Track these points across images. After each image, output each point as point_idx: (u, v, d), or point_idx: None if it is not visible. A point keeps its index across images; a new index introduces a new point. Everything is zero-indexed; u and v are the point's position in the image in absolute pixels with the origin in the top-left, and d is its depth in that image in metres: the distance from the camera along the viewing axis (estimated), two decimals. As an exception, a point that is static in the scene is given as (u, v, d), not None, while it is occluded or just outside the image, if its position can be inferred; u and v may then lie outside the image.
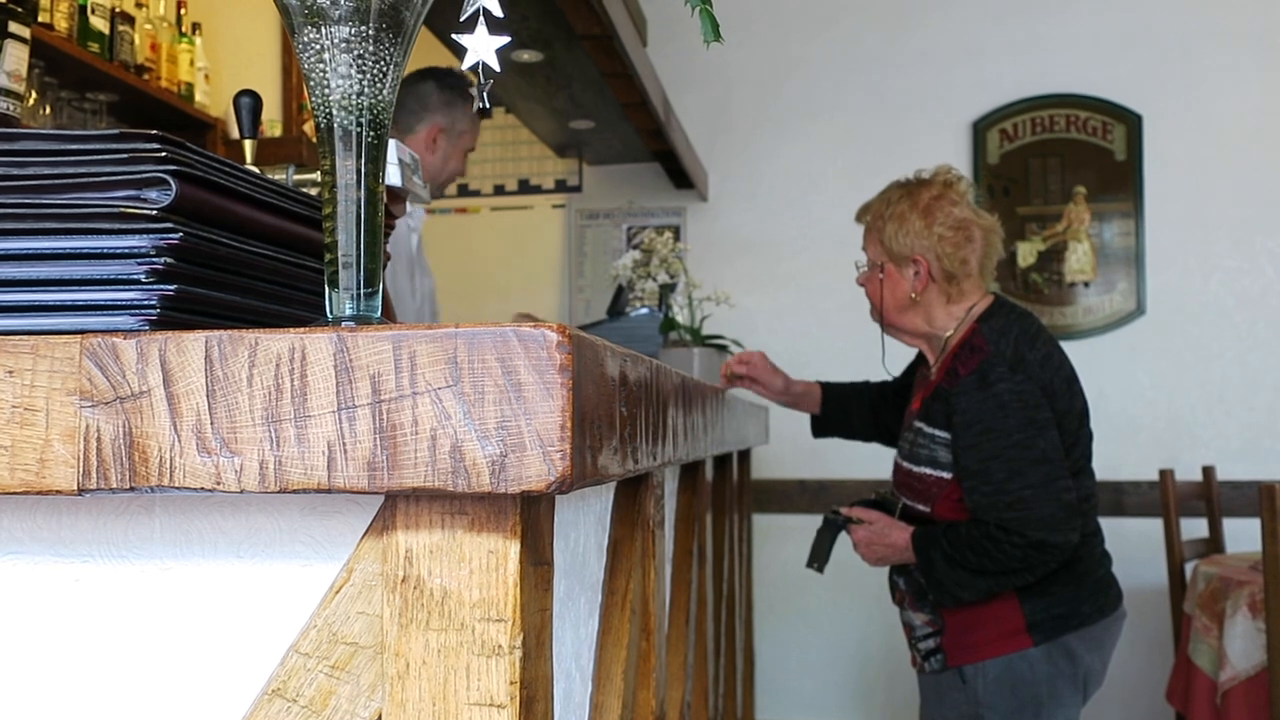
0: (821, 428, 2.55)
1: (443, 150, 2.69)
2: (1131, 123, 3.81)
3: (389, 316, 0.76)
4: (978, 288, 2.06)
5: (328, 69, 0.68)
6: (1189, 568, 3.06)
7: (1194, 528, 3.29)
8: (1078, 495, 1.95)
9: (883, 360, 2.31)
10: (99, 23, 2.87)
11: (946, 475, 1.97)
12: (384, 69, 0.69)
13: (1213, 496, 3.32)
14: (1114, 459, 3.53)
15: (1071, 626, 1.95)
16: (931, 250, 2.01)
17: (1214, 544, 3.27)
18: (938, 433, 1.98)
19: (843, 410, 2.48)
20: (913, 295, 2.03)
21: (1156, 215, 3.80)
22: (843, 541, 2.18)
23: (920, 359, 2.23)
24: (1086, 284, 3.83)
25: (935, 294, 2.03)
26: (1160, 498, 3.16)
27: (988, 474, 1.89)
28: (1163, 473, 3.17)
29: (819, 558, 2.21)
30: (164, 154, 0.63)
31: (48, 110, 2.75)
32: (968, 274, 2.03)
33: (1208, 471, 3.36)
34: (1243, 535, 3.33)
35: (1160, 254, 3.79)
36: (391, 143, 1.14)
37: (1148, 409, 3.76)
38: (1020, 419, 1.87)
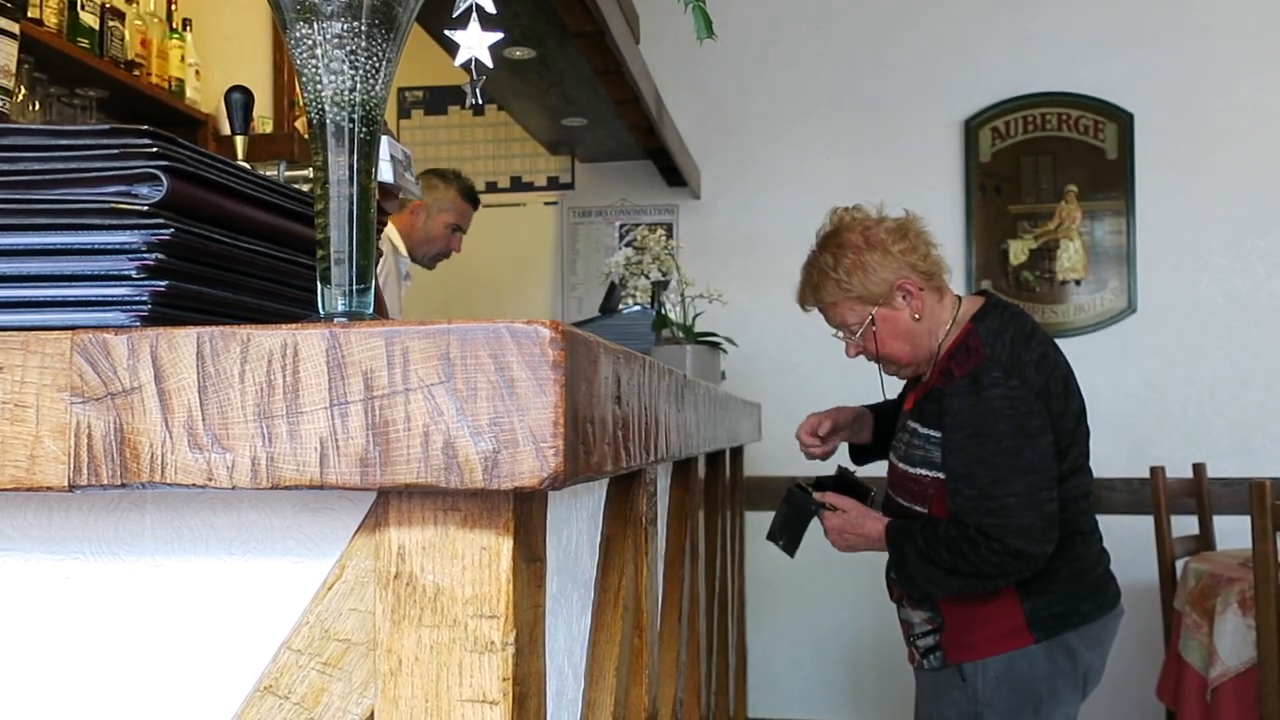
0: (867, 454, 2.43)
1: (421, 223, 3.35)
2: (1123, 121, 3.82)
3: (381, 313, 0.76)
4: (945, 278, 2.08)
5: (320, 65, 0.67)
6: (1179, 565, 3.07)
7: (1185, 525, 3.30)
8: (1079, 492, 1.97)
9: (884, 396, 2.30)
10: (89, 18, 2.86)
11: (943, 476, 1.97)
12: (377, 65, 0.68)
13: (1203, 494, 3.33)
14: (1105, 456, 3.53)
15: (1072, 624, 1.95)
16: (904, 266, 2.01)
17: (1204, 541, 3.29)
18: (931, 433, 1.97)
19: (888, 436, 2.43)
20: (915, 316, 2.02)
21: (1148, 214, 3.81)
22: (815, 530, 2.18)
23: None
24: (1078, 282, 3.84)
25: (930, 301, 2.04)
26: (1151, 495, 3.17)
27: (973, 478, 1.89)
28: (1153, 470, 3.18)
29: (783, 536, 2.19)
30: (155, 149, 0.63)
31: (37, 106, 2.73)
32: (937, 265, 2.05)
33: (1198, 469, 3.38)
34: (1233, 532, 3.34)
35: (1151, 252, 3.80)
36: (384, 139, 1.14)
37: (1139, 406, 3.77)
38: (1010, 426, 1.87)
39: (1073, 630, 1.96)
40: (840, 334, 2.11)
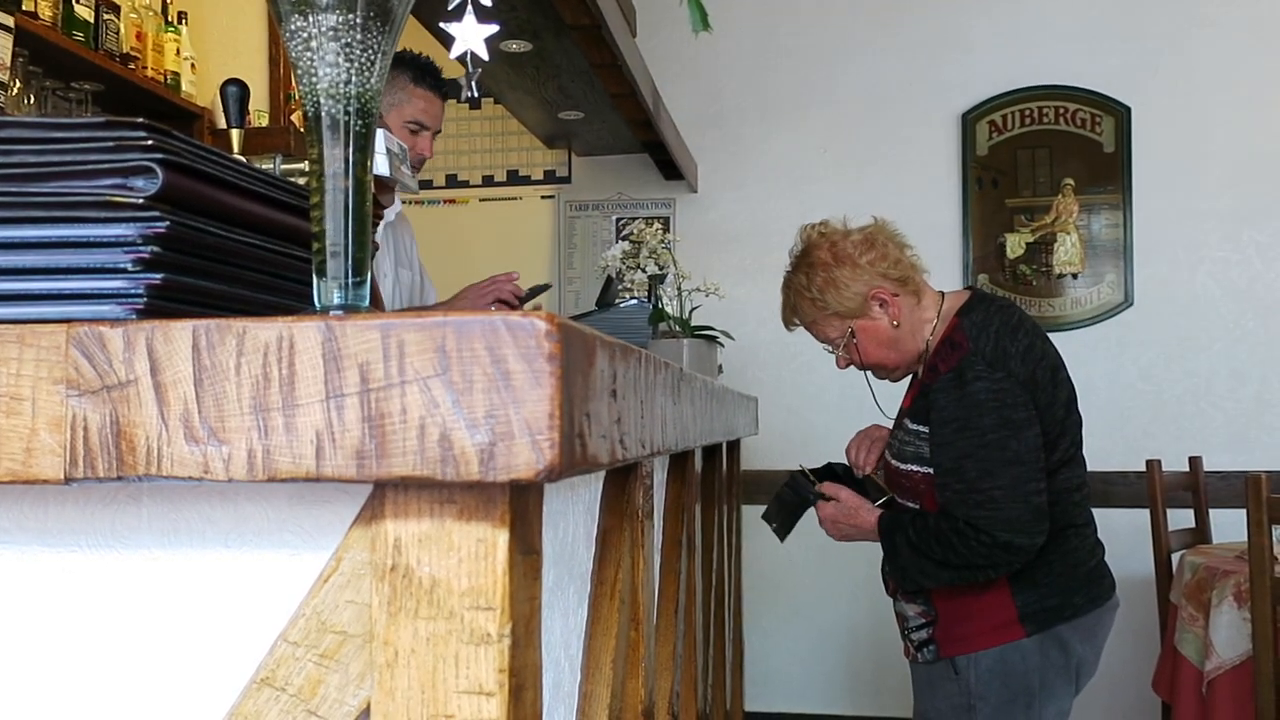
0: None
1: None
2: (1120, 115, 3.82)
3: (377, 305, 0.76)
4: (922, 278, 2.08)
5: (315, 57, 0.67)
6: (1175, 558, 3.08)
7: (1180, 518, 3.31)
8: (1072, 484, 1.97)
9: (875, 402, 2.30)
10: (84, 11, 2.85)
11: (932, 471, 1.98)
12: (372, 57, 0.68)
13: (1199, 487, 3.34)
14: (1101, 450, 3.54)
15: (1064, 617, 1.96)
16: (876, 276, 2.01)
17: (1200, 534, 3.29)
18: (920, 428, 1.98)
19: None
20: (894, 323, 2.03)
21: (1145, 207, 3.81)
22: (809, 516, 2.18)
23: None
24: (1075, 276, 3.84)
25: (907, 306, 2.04)
26: (1147, 488, 3.17)
27: (960, 471, 1.89)
28: (1149, 463, 3.19)
29: (777, 518, 2.21)
30: (150, 142, 0.63)
31: (32, 100, 2.73)
32: (911, 268, 2.05)
33: (1194, 462, 3.38)
34: (1229, 525, 3.35)
35: (1148, 246, 3.80)
36: (379, 132, 1.14)
37: (1135, 400, 3.77)
38: (995, 418, 1.88)
39: (1065, 623, 1.96)
40: (828, 348, 2.13)
